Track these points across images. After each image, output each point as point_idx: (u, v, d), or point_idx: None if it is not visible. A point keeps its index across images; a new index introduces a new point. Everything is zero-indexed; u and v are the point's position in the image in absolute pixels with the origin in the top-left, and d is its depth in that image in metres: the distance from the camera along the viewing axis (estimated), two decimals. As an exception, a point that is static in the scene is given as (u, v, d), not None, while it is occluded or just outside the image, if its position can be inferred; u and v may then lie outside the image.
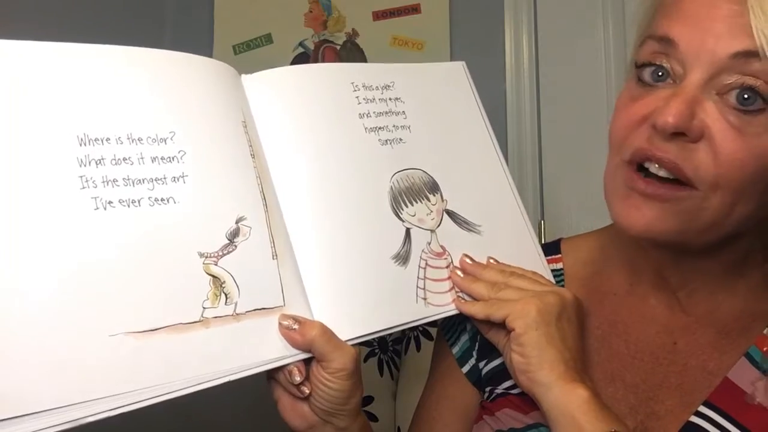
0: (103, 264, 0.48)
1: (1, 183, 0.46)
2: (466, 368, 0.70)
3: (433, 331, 1.15)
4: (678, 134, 0.51)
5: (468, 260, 0.64)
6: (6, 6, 1.18)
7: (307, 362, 0.55)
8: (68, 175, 0.48)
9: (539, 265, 0.67)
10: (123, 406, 0.46)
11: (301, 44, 1.61)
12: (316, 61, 1.60)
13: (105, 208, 0.49)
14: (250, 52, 1.62)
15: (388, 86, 0.67)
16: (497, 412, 0.64)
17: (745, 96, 0.50)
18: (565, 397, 0.55)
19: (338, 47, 1.59)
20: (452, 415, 0.71)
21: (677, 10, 0.53)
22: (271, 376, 0.56)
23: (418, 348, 1.17)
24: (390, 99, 0.66)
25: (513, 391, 0.64)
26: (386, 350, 1.19)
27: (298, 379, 0.54)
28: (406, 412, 1.14)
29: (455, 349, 0.71)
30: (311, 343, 0.54)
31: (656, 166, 0.53)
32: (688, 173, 0.52)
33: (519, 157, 1.49)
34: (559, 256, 0.72)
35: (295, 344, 0.54)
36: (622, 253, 0.66)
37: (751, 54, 0.49)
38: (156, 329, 0.48)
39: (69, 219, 0.48)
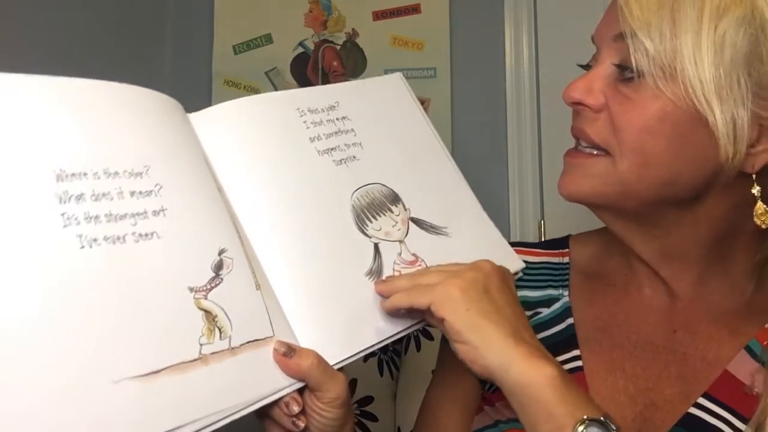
0: (96, 306, 0.45)
1: None
2: None
3: (434, 330, 1.15)
4: (584, 107, 0.60)
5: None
6: (4, 7, 1.18)
7: (299, 393, 0.54)
8: (49, 213, 0.45)
9: (508, 252, 0.68)
10: None
11: (301, 44, 1.61)
12: (316, 60, 1.60)
13: (91, 246, 0.46)
14: (250, 52, 1.62)
15: (333, 107, 0.67)
16: (497, 402, 0.65)
17: (623, 69, 0.58)
18: (527, 376, 0.51)
19: (338, 47, 1.60)
20: (454, 405, 0.72)
21: None
22: (264, 413, 0.54)
23: (418, 348, 1.17)
24: (337, 119, 0.66)
25: None
26: (386, 350, 1.19)
27: (296, 409, 0.53)
28: (406, 412, 1.14)
29: None
30: (307, 373, 0.53)
31: (582, 141, 0.61)
32: (594, 139, 0.60)
33: (519, 156, 1.49)
34: (567, 250, 0.74)
35: (290, 372, 0.53)
36: (621, 246, 0.67)
37: (622, 36, 0.57)
38: (159, 371, 0.46)
39: (57, 260, 0.44)
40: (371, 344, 0.58)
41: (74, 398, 0.42)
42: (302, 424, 0.54)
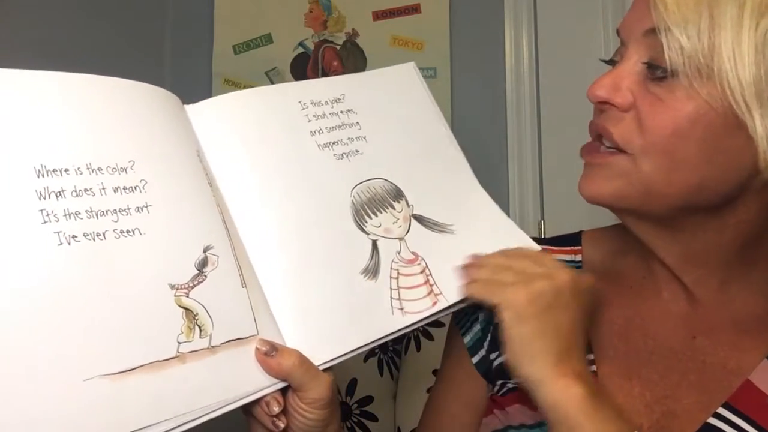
0: (71, 303, 0.45)
1: None
2: (476, 359, 0.69)
3: (434, 331, 1.15)
4: (610, 105, 0.57)
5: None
6: (5, 9, 1.18)
7: (282, 392, 0.54)
8: (28, 209, 0.45)
9: (523, 243, 0.66)
10: None
11: (301, 44, 1.61)
12: (316, 60, 1.60)
13: (69, 243, 0.46)
14: (250, 52, 1.62)
15: (339, 99, 0.66)
16: (508, 407, 0.64)
17: (654, 68, 0.54)
18: (555, 396, 0.53)
19: (338, 47, 1.60)
20: (459, 405, 0.70)
21: None
22: (248, 411, 0.54)
23: (418, 348, 1.17)
24: (342, 112, 0.65)
25: None
26: (386, 350, 1.19)
27: (276, 409, 0.52)
28: (406, 412, 1.14)
29: (467, 339, 0.70)
30: (289, 373, 0.52)
31: (604, 139, 0.58)
32: (616, 139, 0.56)
33: (519, 157, 1.49)
34: (580, 248, 0.72)
35: (271, 372, 0.52)
36: (637, 246, 0.66)
37: (654, 31, 0.54)
38: (132, 369, 0.45)
39: (32, 257, 0.44)
40: (359, 346, 0.57)
41: (44, 395, 0.42)
42: (282, 425, 0.53)
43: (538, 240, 0.74)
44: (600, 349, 0.64)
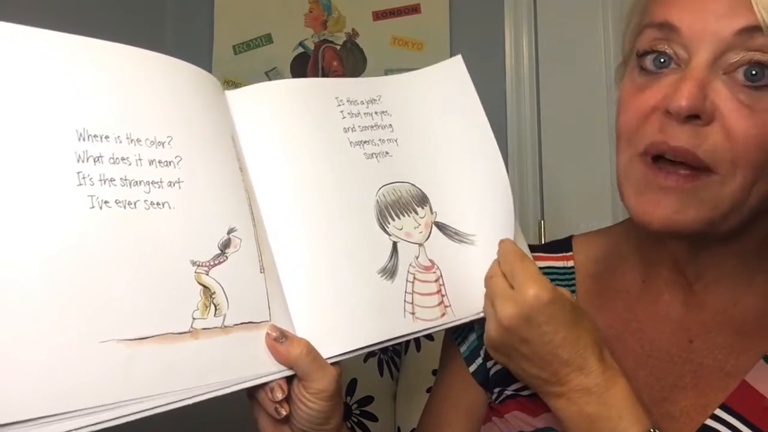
0: (96, 266, 0.46)
1: None
2: (473, 367, 0.69)
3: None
4: (692, 118, 0.51)
5: None
6: (3, 4, 1.18)
7: (288, 380, 0.54)
8: (65, 170, 0.46)
9: None
10: (113, 419, 0.44)
11: (301, 44, 1.61)
12: (316, 60, 1.60)
13: (101, 208, 0.47)
14: (250, 52, 1.62)
15: (374, 100, 0.66)
16: (506, 414, 0.64)
17: (753, 72, 0.49)
18: (558, 412, 0.56)
19: (338, 47, 1.60)
20: (456, 414, 0.70)
21: None
22: (252, 395, 0.55)
23: (418, 348, 1.17)
24: (376, 113, 0.66)
25: (522, 393, 0.63)
26: (386, 350, 1.19)
27: (279, 396, 0.53)
28: (406, 412, 1.14)
29: (463, 348, 0.70)
30: (295, 361, 0.53)
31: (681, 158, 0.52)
32: (703, 158, 0.51)
33: (519, 157, 1.49)
34: (571, 253, 0.70)
35: (279, 358, 0.53)
36: (636, 250, 0.65)
37: (755, 29, 0.49)
38: (146, 338, 0.47)
39: (64, 217, 0.45)
40: (368, 344, 0.57)
41: (62, 352, 0.43)
42: (284, 412, 0.54)
43: (533, 247, 0.72)
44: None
